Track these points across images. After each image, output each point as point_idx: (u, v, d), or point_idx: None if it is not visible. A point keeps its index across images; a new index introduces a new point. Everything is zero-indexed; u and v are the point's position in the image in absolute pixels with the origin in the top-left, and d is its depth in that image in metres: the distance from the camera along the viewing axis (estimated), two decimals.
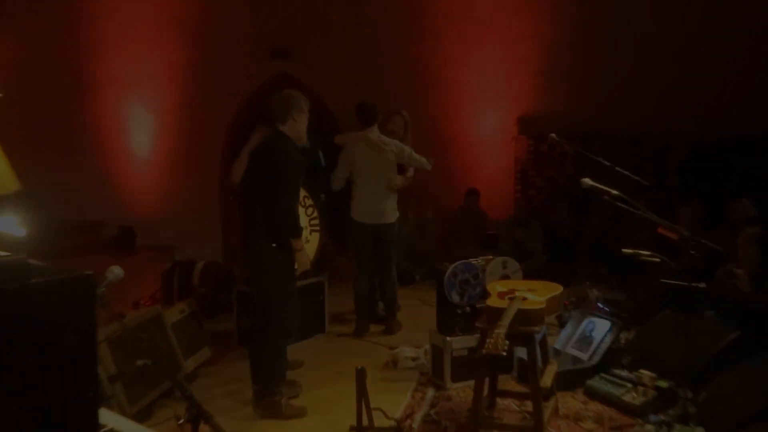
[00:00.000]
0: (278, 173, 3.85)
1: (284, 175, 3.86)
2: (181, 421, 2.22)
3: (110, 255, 7.50)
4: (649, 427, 3.48)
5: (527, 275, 4.70)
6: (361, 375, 3.49)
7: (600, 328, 4.51)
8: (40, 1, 8.29)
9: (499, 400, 3.88)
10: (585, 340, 4.50)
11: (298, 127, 3.99)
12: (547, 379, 3.54)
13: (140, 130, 8.56)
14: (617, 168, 4.60)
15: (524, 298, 3.51)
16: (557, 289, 3.72)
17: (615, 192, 3.74)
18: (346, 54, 7.92)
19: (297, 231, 3.96)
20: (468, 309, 4.31)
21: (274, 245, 3.87)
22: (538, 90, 7.83)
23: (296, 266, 3.99)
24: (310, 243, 5.31)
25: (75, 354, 1.82)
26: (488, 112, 7.99)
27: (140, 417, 3.70)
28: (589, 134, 7.31)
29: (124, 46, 8.33)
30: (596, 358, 4.32)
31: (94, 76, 8.43)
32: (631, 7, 7.51)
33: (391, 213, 5.42)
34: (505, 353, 2.94)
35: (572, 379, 4.19)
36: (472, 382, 3.67)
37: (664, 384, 3.93)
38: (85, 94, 8.46)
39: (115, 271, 2.67)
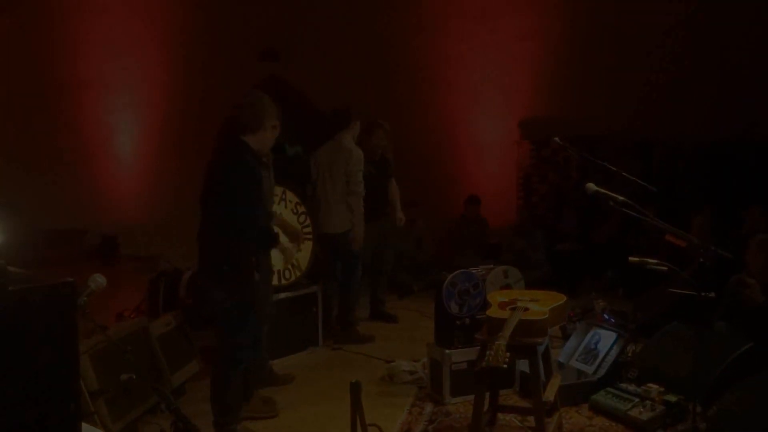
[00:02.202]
0: (232, 189, 3.64)
1: (239, 192, 3.64)
2: None
3: (93, 265, 7.50)
4: None
5: (531, 286, 4.71)
6: (355, 389, 3.48)
7: (606, 340, 4.52)
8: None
9: (500, 416, 3.88)
10: (590, 353, 4.51)
11: (266, 140, 3.80)
12: (550, 393, 3.55)
13: (124, 136, 8.59)
14: (623, 173, 4.62)
15: (526, 309, 3.52)
16: (561, 299, 3.73)
17: (621, 198, 3.76)
18: (338, 56, 7.95)
19: (272, 239, 3.87)
20: (467, 320, 4.31)
21: (223, 269, 3.68)
22: (542, 92, 7.87)
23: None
24: (302, 251, 5.32)
25: (55, 365, 1.83)
26: (489, 115, 8.03)
27: None
28: (594, 138, 7.34)
29: (106, 49, 8.36)
30: (602, 372, 4.33)
31: (74, 79, 8.45)
32: (638, 7, 7.56)
33: (339, 223, 5.47)
34: (506, 366, 2.95)
35: (577, 393, 4.20)
36: (471, 397, 3.67)
37: (672, 398, 3.93)
38: (65, 97, 8.48)
39: (98, 280, 2.67)
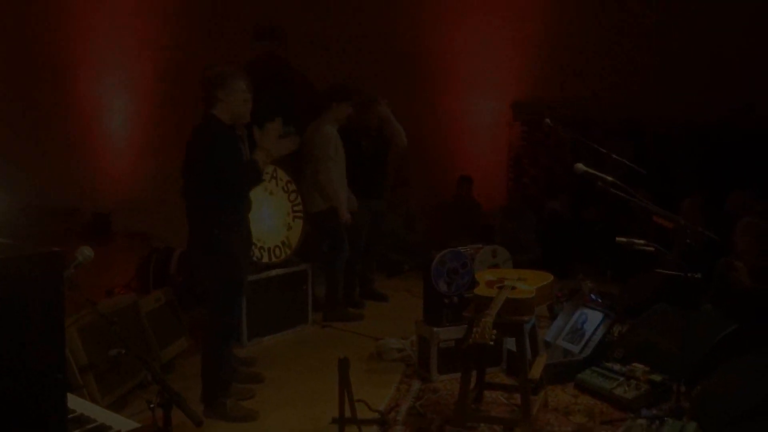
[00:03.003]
0: (199, 167, 3.66)
1: (206, 169, 3.64)
2: (153, 405, 2.24)
3: (84, 242, 7.47)
4: (640, 421, 3.52)
5: (521, 268, 4.73)
6: (343, 366, 3.51)
7: (592, 320, 4.55)
8: None
9: (486, 393, 3.92)
10: (576, 332, 4.54)
11: (230, 104, 3.72)
12: (536, 372, 3.58)
13: (117, 115, 8.54)
14: (614, 155, 4.64)
15: (513, 287, 3.54)
16: (548, 278, 3.76)
17: (609, 178, 3.78)
18: (338, 38, 7.91)
19: (256, 177, 3.83)
20: (456, 299, 4.34)
21: (207, 246, 3.73)
22: (534, 74, 7.85)
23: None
24: (293, 230, 5.33)
25: (41, 335, 1.83)
26: (481, 96, 8.01)
27: (114, 408, 3.71)
28: (587, 121, 7.34)
29: (98, 25, 8.29)
30: (588, 351, 4.37)
31: (66, 56, 8.38)
32: None
33: (320, 201, 5.47)
34: (492, 342, 2.98)
35: (563, 371, 4.23)
36: (459, 375, 3.70)
37: (657, 378, 3.98)
38: (57, 74, 8.41)
39: (85, 252, 2.68)
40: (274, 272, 5.15)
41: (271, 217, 5.20)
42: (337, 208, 5.39)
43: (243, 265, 3.98)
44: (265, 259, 5.09)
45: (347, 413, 3.50)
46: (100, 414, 2.22)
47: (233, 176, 3.70)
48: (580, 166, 3.79)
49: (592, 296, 4.93)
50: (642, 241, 3.74)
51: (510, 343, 4.18)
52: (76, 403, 2.28)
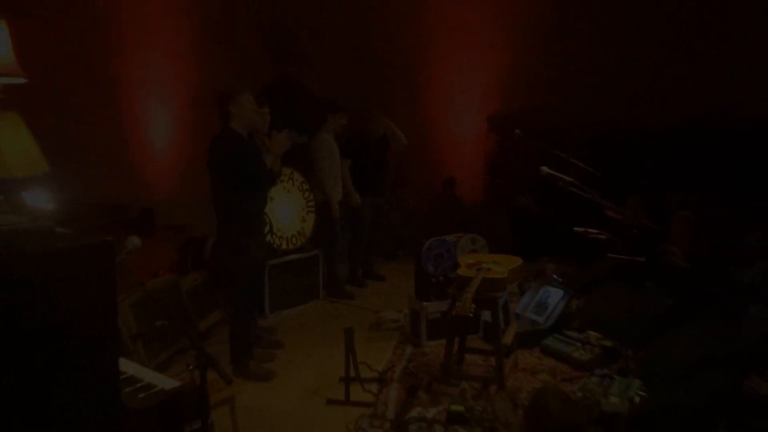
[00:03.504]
0: (217, 171, 3.66)
1: (223, 172, 3.63)
2: (191, 367, 2.24)
3: (133, 234, 7.45)
4: (594, 379, 3.52)
5: (496, 253, 4.71)
6: (349, 334, 3.52)
7: (555, 295, 4.55)
8: (71, 4, 8.12)
9: (467, 356, 3.92)
10: (542, 306, 4.54)
11: (243, 116, 3.68)
12: (508, 338, 3.59)
13: (155, 124, 8.51)
14: (572, 159, 4.61)
15: (489, 269, 3.54)
16: (518, 261, 3.76)
17: (568, 179, 3.77)
18: (341, 58, 7.84)
19: (270, 179, 3.82)
20: (441, 278, 4.34)
21: (227, 245, 3.74)
22: (507, 90, 7.80)
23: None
24: (307, 222, 5.32)
25: (97, 309, 1.83)
26: (462, 110, 7.99)
27: (159, 370, 3.70)
28: (555, 129, 7.13)
29: (143, 50, 8.25)
30: (551, 321, 4.37)
31: (116, 75, 8.33)
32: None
33: (315, 195, 5.47)
34: (472, 315, 2.98)
35: (530, 338, 4.24)
36: (444, 341, 3.70)
37: (608, 343, 3.98)
38: (104, 91, 8.35)
39: (134, 241, 2.67)
40: (291, 257, 5.14)
41: (289, 211, 5.19)
42: (330, 201, 5.36)
43: (258, 257, 3.94)
44: (284, 246, 5.09)
45: (352, 373, 3.51)
46: (147, 375, 2.22)
47: (249, 176, 3.67)
48: (544, 168, 3.78)
49: (555, 276, 4.93)
50: (596, 231, 3.74)
51: (486, 315, 4.17)
52: (127, 366, 2.28)
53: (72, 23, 8.17)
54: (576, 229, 3.75)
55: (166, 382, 2.15)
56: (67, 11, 8.14)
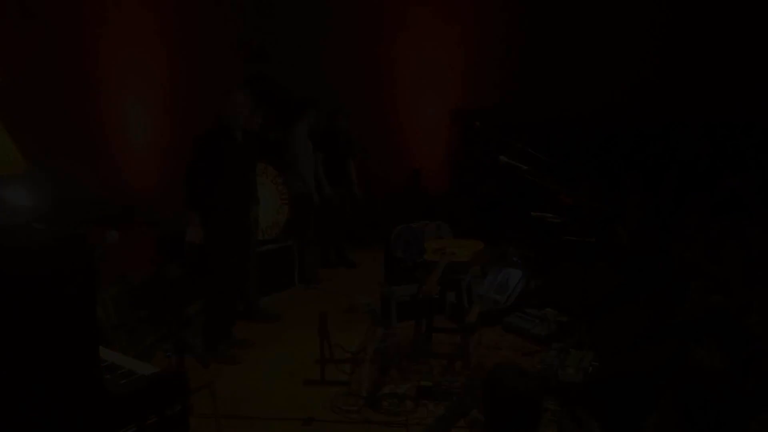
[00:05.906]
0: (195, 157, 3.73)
1: (199, 159, 3.72)
2: (169, 353, 2.20)
3: (113, 228, 7.28)
4: (552, 352, 3.58)
5: (459, 239, 4.73)
6: (323, 318, 3.51)
7: (514, 276, 4.60)
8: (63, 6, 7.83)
9: (434, 335, 3.94)
10: (502, 286, 4.58)
11: (230, 105, 3.72)
12: (472, 317, 3.61)
13: (136, 124, 8.29)
14: (529, 149, 4.64)
15: (453, 253, 3.56)
16: (480, 245, 3.79)
17: (525, 167, 3.80)
18: (315, 55, 7.73)
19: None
20: (409, 263, 4.33)
21: (206, 237, 3.72)
22: (467, 86, 7.83)
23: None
24: (281, 213, 5.27)
25: (76, 300, 1.78)
26: (428, 104, 7.99)
27: (141, 358, 3.63)
28: (515, 121, 7.12)
29: (120, 51, 8.01)
30: (511, 300, 4.42)
31: (94, 75, 8.07)
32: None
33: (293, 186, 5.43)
34: (437, 296, 2.99)
35: (492, 317, 4.29)
36: (413, 322, 3.71)
37: (564, 319, 4.04)
38: (87, 92, 8.10)
39: (113, 234, 2.60)
40: (268, 247, 5.10)
41: (264, 204, 5.12)
42: (311, 193, 5.31)
43: (236, 249, 3.88)
44: (260, 237, 5.03)
45: (327, 354, 3.50)
46: (127, 362, 2.17)
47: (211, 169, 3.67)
48: (503, 158, 3.80)
49: (514, 258, 4.97)
50: (551, 215, 3.78)
51: (451, 296, 4.20)
52: (108, 354, 2.23)
53: (48, 20, 7.88)
54: (533, 213, 3.79)
55: (145, 368, 2.11)
56: (43, 8, 7.84)
